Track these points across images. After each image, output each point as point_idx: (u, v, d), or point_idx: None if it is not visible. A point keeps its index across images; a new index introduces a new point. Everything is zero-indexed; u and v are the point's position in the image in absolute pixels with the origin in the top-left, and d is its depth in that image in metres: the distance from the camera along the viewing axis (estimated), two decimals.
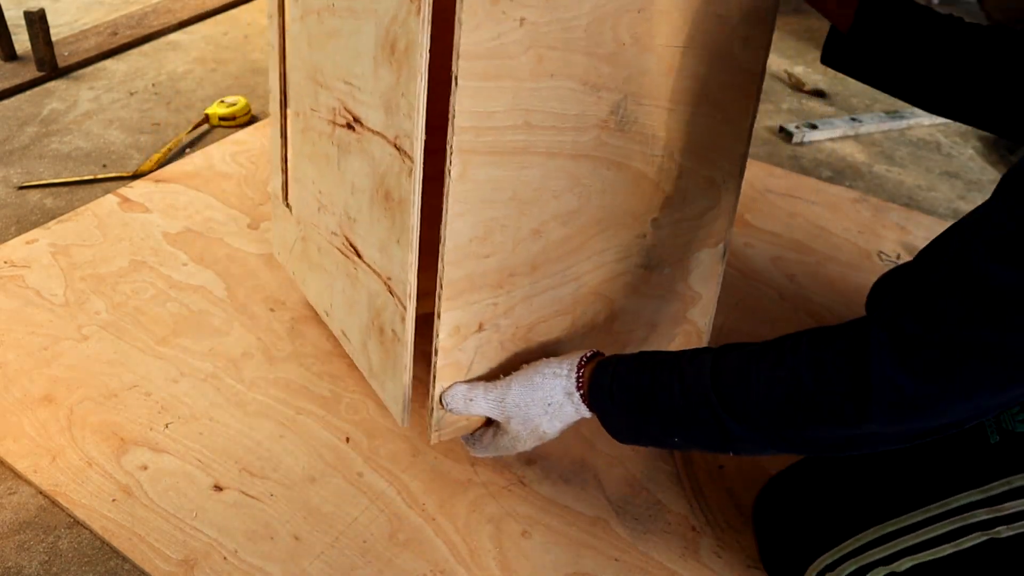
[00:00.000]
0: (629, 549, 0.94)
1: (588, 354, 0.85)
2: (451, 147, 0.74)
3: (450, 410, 0.86)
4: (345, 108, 0.87)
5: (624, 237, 0.93)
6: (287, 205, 1.10)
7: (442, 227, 0.77)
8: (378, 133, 0.81)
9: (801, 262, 1.40)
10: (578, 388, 0.82)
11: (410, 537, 0.94)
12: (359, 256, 0.87)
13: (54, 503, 0.97)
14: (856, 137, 1.86)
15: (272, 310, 1.25)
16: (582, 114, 0.82)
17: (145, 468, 1.01)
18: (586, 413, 0.83)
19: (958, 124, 1.69)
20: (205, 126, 1.77)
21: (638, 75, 0.84)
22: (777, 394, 0.69)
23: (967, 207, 1.55)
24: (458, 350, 0.84)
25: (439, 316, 0.81)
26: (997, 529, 0.71)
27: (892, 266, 1.35)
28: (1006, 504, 0.72)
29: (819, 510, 0.84)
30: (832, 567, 0.78)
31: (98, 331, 1.20)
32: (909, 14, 0.92)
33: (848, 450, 0.70)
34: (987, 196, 0.63)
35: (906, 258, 1.37)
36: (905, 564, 0.74)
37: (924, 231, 1.44)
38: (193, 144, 1.71)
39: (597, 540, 0.95)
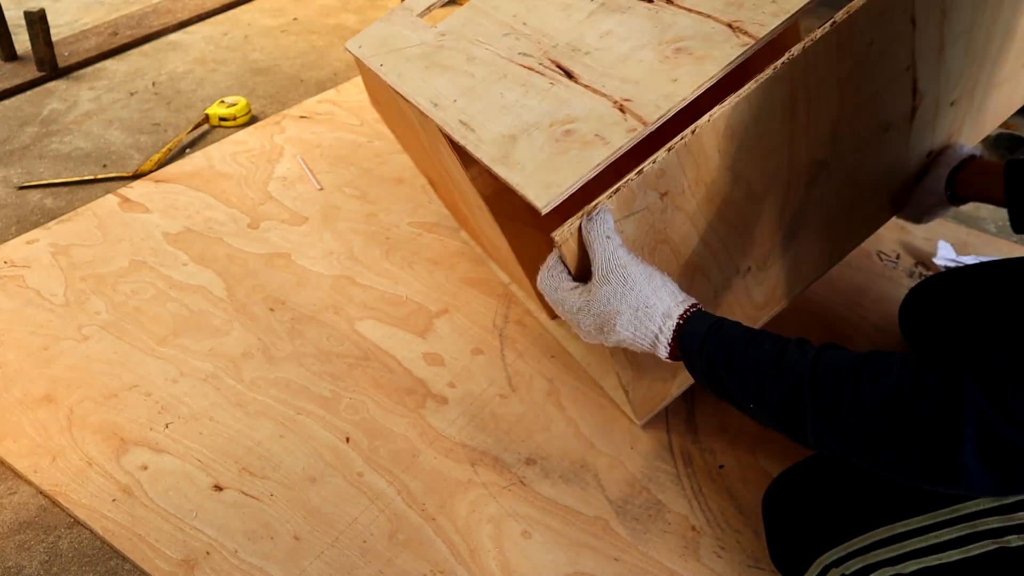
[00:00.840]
0: (629, 549, 0.94)
1: (703, 307, 0.82)
2: (790, 56, 0.81)
3: (586, 226, 0.82)
4: None
5: (744, 248, 0.94)
6: (422, 18, 1.17)
7: (745, 88, 0.82)
8: (699, 11, 0.92)
9: None
10: (680, 318, 0.79)
11: (410, 537, 0.94)
12: (571, 77, 0.93)
13: (54, 503, 0.97)
14: None
15: (272, 310, 1.25)
16: (811, 144, 0.90)
17: (145, 468, 1.01)
18: (662, 351, 0.79)
19: None
20: (205, 126, 1.77)
21: (841, 158, 0.93)
22: (874, 399, 0.65)
23: (966, 207, 1.55)
24: (643, 192, 0.83)
25: (670, 149, 0.82)
26: (1007, 538, 0.70)
27: (892, 266, 1.36)
28: (1019, 513, 0.71)
29: (830, 505, 0.83)
30: (838, 563, 0.78)
31: (98, 331, 1.20)
32: None
33: (930, 482, 0.64)
34: None
35: (906, 258, 1.37)
36: (911, 567, 0.74)
37: (924, 231, 1.44)
38: (193, 144, 1.71)
39: (597, 540, 0.95)
